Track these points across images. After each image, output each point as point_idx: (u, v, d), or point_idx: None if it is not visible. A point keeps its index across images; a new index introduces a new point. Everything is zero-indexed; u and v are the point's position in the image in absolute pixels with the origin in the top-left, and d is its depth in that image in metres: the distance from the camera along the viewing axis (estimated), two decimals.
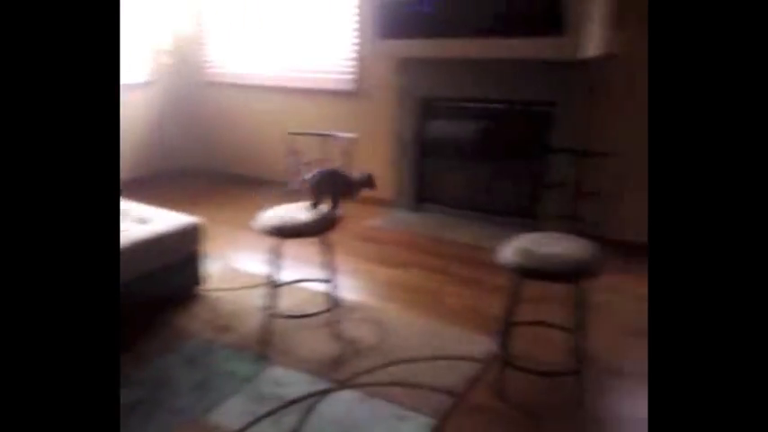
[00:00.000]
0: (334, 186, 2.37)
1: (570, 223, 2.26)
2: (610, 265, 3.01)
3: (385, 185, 4.19)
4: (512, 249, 2.04)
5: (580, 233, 2.10)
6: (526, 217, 3.49)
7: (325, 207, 2.38)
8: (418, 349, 2.36)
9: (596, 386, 2.13)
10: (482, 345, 2.37)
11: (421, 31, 3.44)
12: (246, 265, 3.21)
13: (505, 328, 2.11)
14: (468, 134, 3.79)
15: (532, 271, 1.94)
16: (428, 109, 3.89)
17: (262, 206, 2.47)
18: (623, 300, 2.81)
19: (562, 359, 2.19)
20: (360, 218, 3.94)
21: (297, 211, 2.38)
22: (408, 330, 2.52)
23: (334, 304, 2.53)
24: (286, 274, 2.67)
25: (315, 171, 2.37)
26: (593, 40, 2.98)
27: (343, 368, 2.23)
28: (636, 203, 3.20)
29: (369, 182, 2.43)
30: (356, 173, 2.44)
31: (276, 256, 2.37)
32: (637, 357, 2.33)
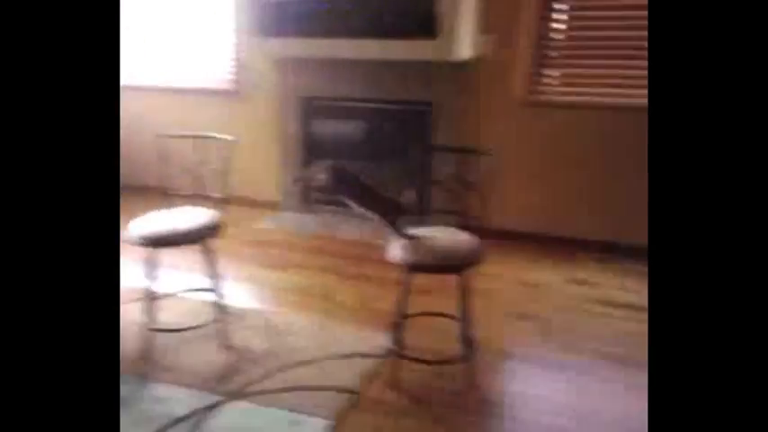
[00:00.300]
0: (366, 200, 2.01)
1: (454, 217, 2.35)
2: (493, 253, 3.19)
3: (270, 187, 4.09)
4: (399, 244, 2.06)
5: (464, 226, 2.19)
6: (414, 213, 3.57)
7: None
8: (313, 351, 2.32)
9: (486, 369, 2.23)
10: (377, 340, 2.39)
11: (301, 30, 3.39)
12: (122, 278, 2.96)
13: (398, 321, 2.13)
14: (352, 134, 3.81)
15: (419, 265, 1.98)
16: (311, 109, 3.85)
17: (134, 214, 2.28)
18: (507, 285, 2.97)
19: (454, 347, 2.27)
20: (246, 221, 3.80)
21: (174, 218, 2.23)
22: (301, 333, 2.47)
23: (220, 313, 2.41)
24: (167, 285, 2.50)
25: (331, 163, 1.98)
26: (464, 43, 3.12)
27: (234, 379, 2.13)
28: (510, 195, 3.41)
29: (407, 209, 2.09)
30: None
31: (152, 267, 2.21)
32: (522, 339, 2.48)
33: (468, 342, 2.14)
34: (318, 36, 3.37)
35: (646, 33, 3.01)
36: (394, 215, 2.04)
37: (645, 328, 2.54)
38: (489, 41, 3.26)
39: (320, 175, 1.95)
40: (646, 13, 2.98)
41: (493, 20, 3.23)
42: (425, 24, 3.07)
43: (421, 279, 2.07)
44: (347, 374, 2.17)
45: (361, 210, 1.99)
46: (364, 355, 2.29)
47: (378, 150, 3.77)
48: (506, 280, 3.02)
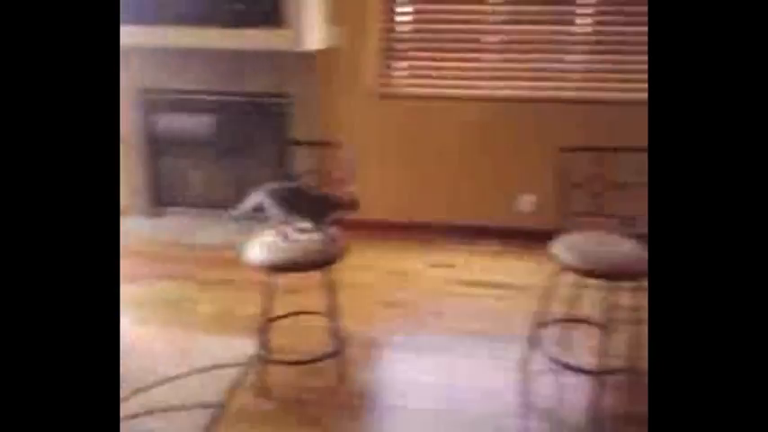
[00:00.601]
0: (305, 206, 2.00)
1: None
2: (361, 245, 3.20)
3: None
4: (259, 246, 1.97)
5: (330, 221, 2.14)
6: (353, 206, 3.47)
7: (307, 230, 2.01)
8: (173, 368, 2.15)
9: (357, 362, 2.22)
10: (242, 347, 2.27)
11: (139, 17, 3.09)
12: None
13: (263, 324, 2.04)
14: (204, 129, 3.58)
15: (280, 265, 1.91)
16: (155, 103, 3.55)
17: None
18: (376, 276, 2.99)
19: (325, 344, 2.23)
20: None
21: None
22: (160, 350, 2.27)
23: None
24: None
25: (265, 188, 1.95)
26: (313, 33, 3.07)
27: None
28: (373, 186, 3.44)
29: (352, 205, 2.05)
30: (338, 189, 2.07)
31: None
32: (391, 327, 2.51)
33: (337, 337, 2.11)
34: (158, 23, 3.11)
35: (488, 27, 3.19)
36: (331, 212, 2.04)
37: (503, 303, 2.71)
38: (339, 32, 3.24)
39: (263, 203, 1.95)
40: (487, 7, 3.15)
41: (342, 10, 3.21)
42: (271, 13, 2.97)
43: (289, 278, 2.00)
44: (212, 388, 2.04)
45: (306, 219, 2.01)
46: (229, 365, 2.17)
47: (231, 147, 3.59)
48: (375, 270, 3.04)
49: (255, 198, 1.98)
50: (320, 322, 2.30)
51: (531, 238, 3.19)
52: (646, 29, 3.04)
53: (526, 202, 3.40)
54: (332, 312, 2.09)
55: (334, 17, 3.22)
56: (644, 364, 2.18)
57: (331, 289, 2.05)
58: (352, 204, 2.04)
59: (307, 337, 2.36)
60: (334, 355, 2.12)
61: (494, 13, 3.16)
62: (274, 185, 2.00)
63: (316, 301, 2.38)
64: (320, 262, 1.95)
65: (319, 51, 3.19)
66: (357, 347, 2.31)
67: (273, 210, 1.96)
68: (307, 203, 2.01)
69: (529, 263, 3.07)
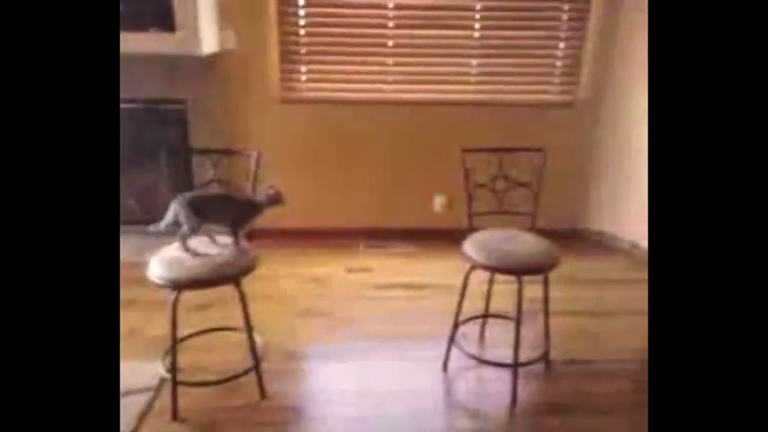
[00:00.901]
0: (228, 212, 1.91)
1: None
2: (275, 254, 3.12)
3: None
4: (159, 262, 1.86)
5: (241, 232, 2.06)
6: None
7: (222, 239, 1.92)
8: None
9: (276, 375, 2.15)
10: (150, 370, 2.12)
11: None
12: None
13: (172, 345, 1.92)
14: None
15: (184, 282, 1.80)
16: None
17: None
18: (293, 285, 2.92)
19: (241, 359, 2.13)
20: None
21: None
22: None
23: None
24: None
25: (181, 197, 1.83)
26: (207, 37, 2.96)
27: None
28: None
29: (276, 199, 1.99)
30: (253, 192, 1.99)
31: None
32: (309, 336, 2.46)
33: (253, 351, 2.03)
34: None
35: (388, 31, 3.23)
36: (256, 214, 1.99)
37: (416, 303, 2.74)
38: (234, 36, 3.13)
39: (179, 216, 1.86)
40: (388, 11, 3.18)
41: (238, 14, 3.11)
42: (162, 17, 2.83)
43: (200, 294, 1.89)
44: (121, 417, 1.88)
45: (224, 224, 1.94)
46: (137, 391, 2.02)
47: (128, 156, 3.37)
48: (291, 279, 2.97)
49: (174, 209, 1.86)
50: (234, 338, 2.20)
51: (444, 237, 3.27)
52: (540, 33, 3.22)
53: (437, 203, 3.47)
54: (247, 327, 2.00)
55: (231, 20, 3.12)
56: (555, 352, 2.29)
57: (244, 304, 1.97)
58: (278, 198, 2.01)
59: (221, 354, 2.25)
60: (251, 370, 2.03)
61: (395, 17, 3.20)
62: (190, 194, 1.90)
63: (229, 315, 2.28)
64: (227, 276, 1.86)
65: (217, 56, 3.07)
66: (276, 360, 2.24)
67: (189, 221, 1.85)
68: (230, 209, 1.94)
69: (443, 262, 3.13)
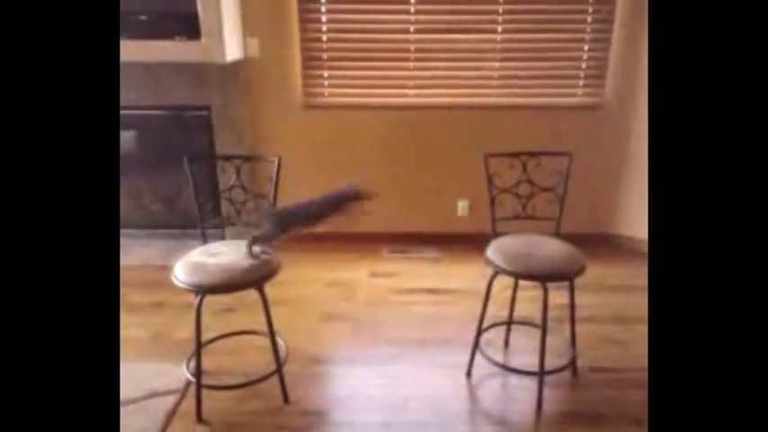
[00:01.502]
0: (311, 216, 1.92)
1: (250, 228, 2.22)
2: (299, 258, 3.13)
3: None
4: (183, 266, 1.88)
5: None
6: (206, 226, 3.32)
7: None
8: None
9: (299, 379, 2.15)
10: (176, 373, 2.15)
11: None
12: None
13: (197, 348, 1.94)
14: (124, 145, 3.40)
15: (207, 287, 1.82)
16: None
17: None
18: (316, 289, 2.93)
19: (265, 363, 2.15)
20: None
21: None
22: None
23: None
24: None
25: (269, 213, 1.91)
26: (231, 44, 3.00)
27: None
28: (303, 198, 3.37)
29: (359, 194, 1.96)
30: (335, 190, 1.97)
31: None
32: (332, 340, 2.46)
33: (277, 356, 2.04)
34: None
35: (403, 36, 3.22)
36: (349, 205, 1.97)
37: (440, 309, 2.73)
38: (257, 44, 3.17)
39: (263, 229, 1.89)
40: (409, 17, 3.18)
41: (261, 22, 3.15)
42: (187, 25, 2.87)
43: (223, 297, 1.91)
44: (146, 420, 1.91)
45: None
46: (164, 393, 2.05)
47: (154, 162, 3.43)
48: (315, 283, 2.98)
49: (263, 224, 1.92)
50: (258, 342, 2.22)
51: (468, 242, 3.24)
52: (564, 35, 3.18)
53: (461, 207, 3.45)
54: (271, 331, 2.01)
55: (254, 27, 3.16)
56: (581, 360, 2.24)
57: (267, 307, 1.98)
58: (361, 194, 1.98)
59: (245, 357, 2.27)
60: (274, 374, 2.04)
61: (416, 21, 3.19)
62: (277, 210, 1.95)
63: (252, 319, 2.30)
64: (250, 281, 1.87)
65: (240, 63, 3.12)
66: (299, 364, 2.24)
67: (273, 233, 1.90)
68: (313, 212, 1.95)
69: (467, 267, 3.11)
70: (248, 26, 3.15)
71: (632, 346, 2.41)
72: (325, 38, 3.22)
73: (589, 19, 3.16)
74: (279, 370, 2.03)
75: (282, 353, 2.07)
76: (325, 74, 3.28)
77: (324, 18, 3.19)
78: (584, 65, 3.24)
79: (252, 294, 1.92)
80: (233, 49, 3.02)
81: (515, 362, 2.28)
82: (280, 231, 1.89)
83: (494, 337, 2.39)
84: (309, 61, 3.24)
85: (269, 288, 1.94)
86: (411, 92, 3.31)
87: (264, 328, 2.00)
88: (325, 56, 3.25)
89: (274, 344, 2.01)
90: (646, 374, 2.22)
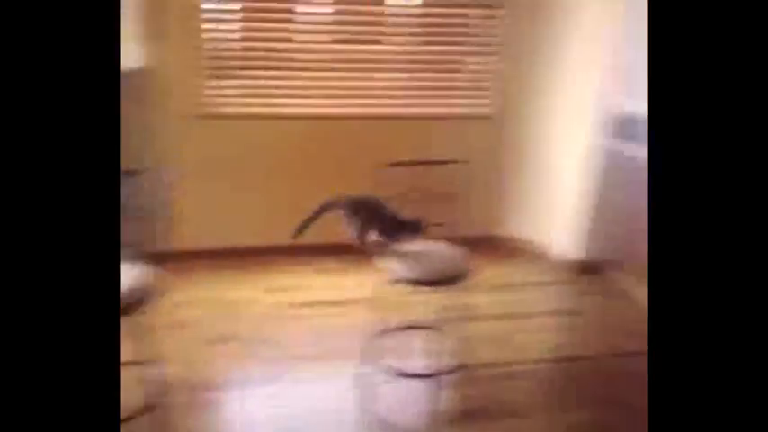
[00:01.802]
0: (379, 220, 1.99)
1: (130, 248, 2.03)
2: (185, 278, 2.93)
3: None
4: None
5: (140, 255, 1.91)
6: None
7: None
8: None
9: (185, 411, 1.99)
10: None
11: None
12: None
13: None
14: None
15: None
16: None
17: None
18: (206, 310, 2.72)
19: (142, 397, 1.96)
20: None
21: None
22: None
23: None
24: None
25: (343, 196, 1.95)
26: (129, 52, 2.79)
27: None
28: (195, 213, 3.19)
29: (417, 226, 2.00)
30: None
31: None
32: (224, 364, 2.31)
33: (155, 387, 1.87)
34: None
35: (303, 46, 3.15)
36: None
37: (336, 320, 2.66)
38: (156, 50, 2.96)
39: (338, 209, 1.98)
40: (303, 26, 3.11)
41: (159, 28, 2.94)
42: None
43: None
44: None
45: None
46: None
47: None
48: (205, 304, 2.79)
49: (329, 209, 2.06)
50: (135, 374, 2.03)
51: (362, 252, 3.21)
52: (456, 48, 3.26)
53: None
54: (149, 360, 1.84)
55: (150, 33, 2.94)
56: (473, 358, 2.28)
57: (146, 334, 1.81)
58: (420, 225, 2.02)
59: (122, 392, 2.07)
60: (151, 408, 1.87)
61: (303, 31, 3.13)
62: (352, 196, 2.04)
63: (129, 348, 2.11)
64: (124, 309, 1.71)
65: (129, 72, 2.88)
66: (183, 395, 2.08)
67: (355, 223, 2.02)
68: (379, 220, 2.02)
69: (362, 277, 3.07)
70: (148, 32, 2.92)
71: (520, 341, 2.49)
72: (234, 46, 3.08)
73: (470, 32, 3.26)
74: (154, 404, 1.86)
75: (161, 384, 1.91)
76: (215, 83, 3.13)
77: (232, 27, 3.05)
78: (467, 76, 3.35)
79: (124, 321, 1.75)
80: (130, 59, 2.82)
81: (411, 366, 2.27)
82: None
83: (390, 343, 2.36)
84: (201, 70, 3.07)
85: (151, 312, 1.77)
86: (303, 101, 3.24)
87: (133, 357, 1.83)
88: (233, 63, 3.10)
89: (151, 375, 1.84)
90: (526, 367, 2.30)
